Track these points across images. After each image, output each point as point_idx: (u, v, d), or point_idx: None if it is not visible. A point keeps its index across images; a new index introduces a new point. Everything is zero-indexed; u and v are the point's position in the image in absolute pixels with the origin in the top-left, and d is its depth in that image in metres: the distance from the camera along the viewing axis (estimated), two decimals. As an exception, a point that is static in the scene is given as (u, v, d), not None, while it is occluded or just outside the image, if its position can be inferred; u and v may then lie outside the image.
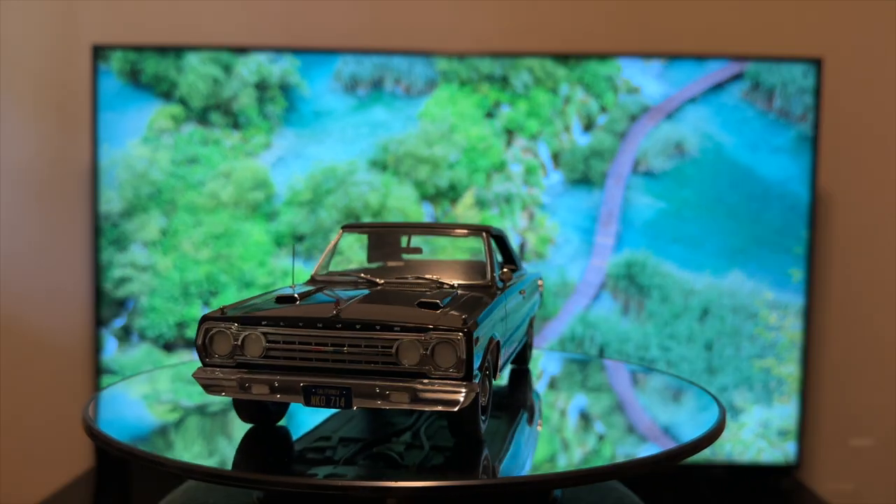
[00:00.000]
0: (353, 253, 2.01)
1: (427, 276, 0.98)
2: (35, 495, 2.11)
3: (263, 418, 0.91)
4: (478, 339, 0.80)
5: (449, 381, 0.77)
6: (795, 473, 2.23)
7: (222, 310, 0.85)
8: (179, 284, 2.13)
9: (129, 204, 2.12)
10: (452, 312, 0.81)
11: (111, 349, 2.15)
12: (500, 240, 1.19)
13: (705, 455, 2.08)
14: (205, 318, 0.84)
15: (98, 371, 2.15)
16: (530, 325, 1.23)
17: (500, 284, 0.99)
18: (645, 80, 2.15)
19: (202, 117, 2.12)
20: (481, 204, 2.15)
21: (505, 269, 1.01)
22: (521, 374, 1.22)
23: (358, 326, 0.79)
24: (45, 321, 2.24)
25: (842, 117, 2.23)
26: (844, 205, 2.27)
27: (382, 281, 0.98)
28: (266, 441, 0.89)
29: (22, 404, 2.23)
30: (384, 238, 1.16)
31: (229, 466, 0.83)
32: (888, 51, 2.25)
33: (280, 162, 2.14)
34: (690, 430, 0.92)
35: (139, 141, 2.12)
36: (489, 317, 0.88)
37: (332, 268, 1.07)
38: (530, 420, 1.01)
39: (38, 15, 2.20)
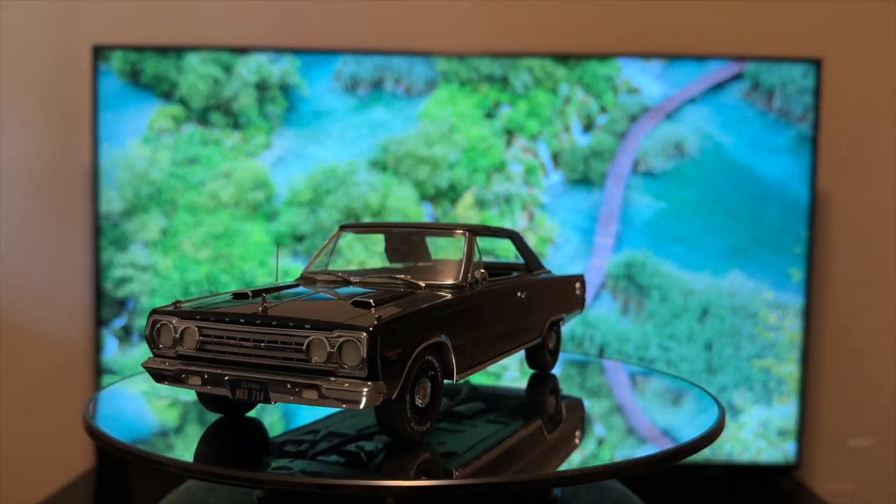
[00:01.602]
0: (354, 253, 2.02)
1: (399, 276, 0.98)
2: (35, 495, 2.11)
3: (229, 409, 0.93)
4: (395, 338, 0.79)
5: (355, 381, 0.78)
6: (795, 473, 2.23)
7: (175, 304, 0.89)
8: (180, 284, 2.13)
9: (130, 204, 2.12)
10: (376, 311, 0.81)
11: (111, 349, 2.15)
12: (514, 241, 1.19)
13: (705, 455, 2.08)
14: (153, 312, 0.88)
15: (98, 371, 2.15)
16: (551, 329, 1.21)
17: (475, 285, 0.98)
18: (645, 80, 2.15)
19: (202, 117, 2.12)
20: (481, 204, 2.15)
21: (482, 270, 0.99)
22: (544, 379, 1.20)
23: (274, 323, 0.81)
24: (45, 321, 2.24)
25: (841, 117, 2.23)
26: (844, 205, 2.27)
27: (357, 280, 0.99)
28: (232, 431, 0.90)
29: (22, 404, 2.24)
30: (386, 238, 1.15)
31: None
32: (888, 51, 2.25)
33: (280, 162, 2.14)
34: (690, 433, 0.91)
35: (139, 141, 2.12)
36: (433, 316, 0.87)
37: (330, 267, 1.08)
38: (544, 428, 0.99)
39: (38, 15, 2.20)
